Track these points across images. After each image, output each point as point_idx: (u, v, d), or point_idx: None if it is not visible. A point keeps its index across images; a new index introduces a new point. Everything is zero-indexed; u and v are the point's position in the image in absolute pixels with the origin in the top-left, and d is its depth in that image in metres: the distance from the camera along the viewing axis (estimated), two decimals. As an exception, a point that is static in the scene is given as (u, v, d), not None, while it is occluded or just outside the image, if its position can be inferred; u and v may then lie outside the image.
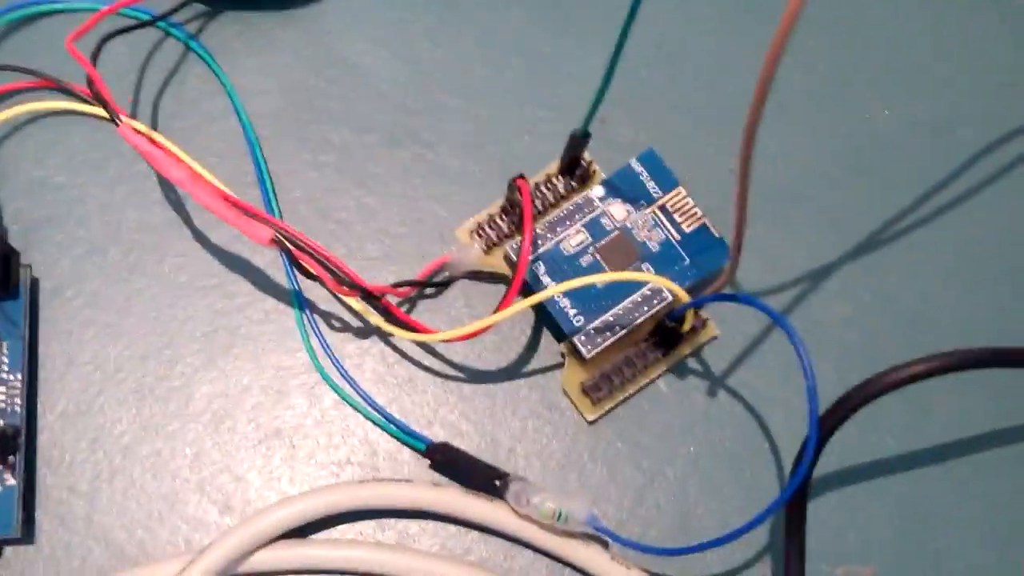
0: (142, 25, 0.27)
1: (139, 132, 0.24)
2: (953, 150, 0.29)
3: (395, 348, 0.26)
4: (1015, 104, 0.29)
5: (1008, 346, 0.20)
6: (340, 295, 0.25)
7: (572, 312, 0.24)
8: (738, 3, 0.30)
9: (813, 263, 0.27)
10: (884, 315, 0.27)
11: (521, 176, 0.24)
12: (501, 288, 0.26)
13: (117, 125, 0.23)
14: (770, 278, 0.27)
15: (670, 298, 0.24)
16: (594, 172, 0.26)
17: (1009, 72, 0.30)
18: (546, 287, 0.24)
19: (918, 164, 0.28)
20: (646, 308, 0.24)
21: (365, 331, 0.26)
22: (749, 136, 0.15)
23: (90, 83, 0.24)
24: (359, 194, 0.28)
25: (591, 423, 0.25)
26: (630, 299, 0.24)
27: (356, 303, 0.25)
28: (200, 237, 0.27)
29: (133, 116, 0.27)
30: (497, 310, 0.24)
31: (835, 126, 0.29)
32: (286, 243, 0.22)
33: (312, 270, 0.23)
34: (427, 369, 0.26)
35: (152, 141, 0.26)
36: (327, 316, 0.26)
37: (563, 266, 0.25)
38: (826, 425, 0.21)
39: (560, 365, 0.26)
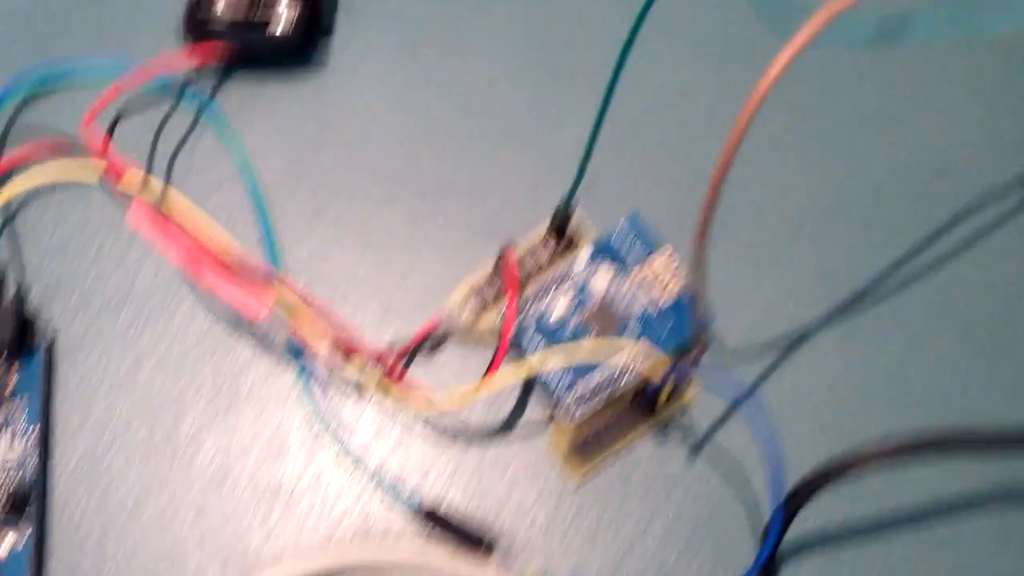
0: (156, 99, 0.29)
1: (148, 209, 0.25)
2: (939, 206, 0.29)
3: (390, 407, 0.27)
4: (1003, 158, 0.29)
5: (970, 425, 0.21)
6: (335, 359, 0.26)
7: (557, 378, 0.25)
8: (729, 62, 0.30)
9: (797, 320, 0.28)
10: (869, 373, 0.27)
11: (509, 247, 0.25)
12: (493, 347, 0.27)
13: (127, 208, 0.24)
14: (753, 336, 0.27)
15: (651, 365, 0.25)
16: (581, 236, 0.27)
17: (998, 125, 0.30)
18: (533, 353, 0.25)
19: (903, 220, 0.29)
20: (628, 375, 0.25)
21: (361, 390, 0.27)
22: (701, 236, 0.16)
23: (102, 163, 0.25)
24: (360, 251, 0.29)
25: (576, 484, 0.26)
26: (611, 367, 0.25)
27: (353, 364, 0.26)
28: (207, 297, 0.28)
29: (148, 174, 0.29)
30: (487, 373, 0.25)
31: (818, 181, 0.29)
32: (279, 318, 0.23)
33: (304, 339, 0.24)
34: (420, 428, 0.27)
35: (162, 216, 0.28)
36: (326, 375, 0.27)
37: (549, 332, 0.26)
38: (789, 508, 0.22)
39: (547, 424, 0.26)
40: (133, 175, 0.28)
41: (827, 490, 0.21)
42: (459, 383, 0.27)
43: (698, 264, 0.16)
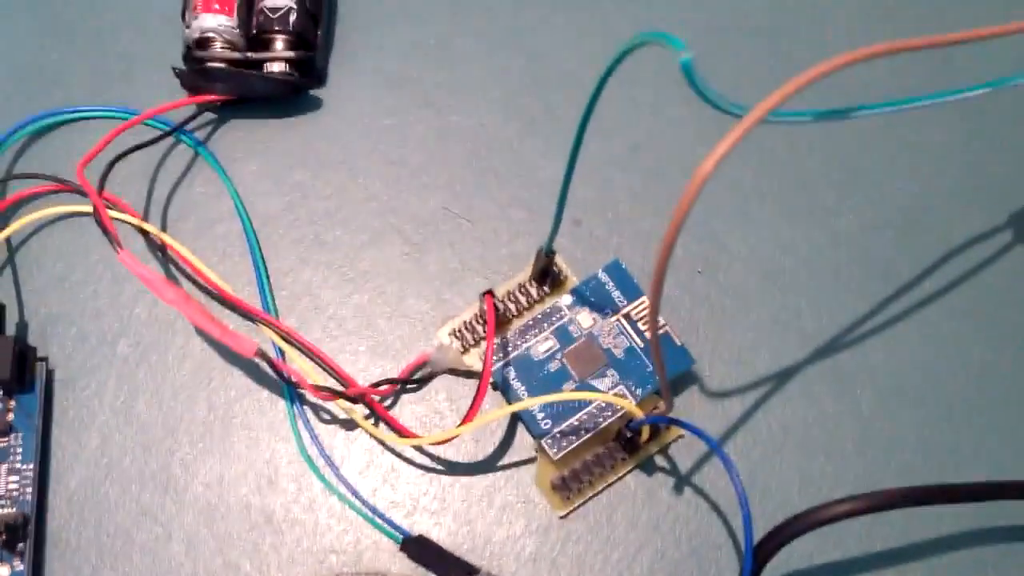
0: (154, 141, 0.30)
1: (139, 255, 0.26)
2: (915, 254, 0.30)
3: (379, 439, 0.28)
4: (976, 207, 0.30)
5: (934, 484, 0.21)
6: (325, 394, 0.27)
7: (540, 416, 0.26)
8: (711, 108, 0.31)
9: (776, 364, 0.28)
10: (845, 417, 0.28)
11: (490, 292, 0.26)
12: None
13: (117, 252, 0.25)
14: (733, 380, 0.28)
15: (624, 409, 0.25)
16: (565, 279, 0.28)
17: (971, 175, 0.31)
18: (516, 390, 0.26)
19: (880, 268, 0.29)
20: (609, 413, 0.26)
21: (351, 423, 0.28)
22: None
23: (95, 213, 0.26)
24: (349, 291, 0.29)
25: (562, 518, 0.27)
26: (594, 404, 0.26)
27: (342, 399, 0.27)
28: (201, 332, 0.29)
29: (145, 218, 0.30)
30: (467, 415, 0.25)
31: (798, 229, 0.30)
32: (267, 356, 0.24)
33: (292, 377, 0.25)
34: (409, 460, 0.28)
35: (164, 245, 0.29)
36: (316, 408, 0.28)
37: (532, 371, 0.26)
38: (760, 555, 0.23)
39: (534, 458, 0.27)
40: (128, 216, 0.29)
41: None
42: (446, 418, 0.28)
43: (654, 338, 0.17)
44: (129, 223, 0.29)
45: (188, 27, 0.30)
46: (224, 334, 0.24)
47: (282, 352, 0.27)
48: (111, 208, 0.29)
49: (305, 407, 0.28)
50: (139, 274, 0.24)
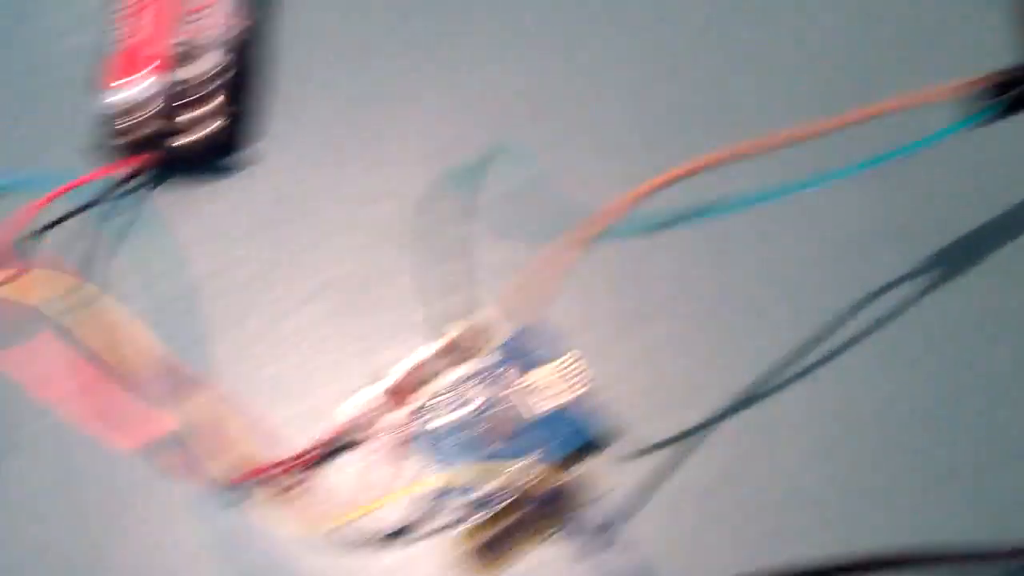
0: (84, 207, 0.30)
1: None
2: (845, 300, 0.29)
3: (291, 519, 0.27)
4: (899, 251, 0.30)
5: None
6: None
7: (458, 484, 0.26)
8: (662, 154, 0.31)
9: (700, 419, 0.28)
10: (775, 473, 0.27)
11: (411, 356, 0.27)
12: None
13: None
14: (655, 436, 0.28)
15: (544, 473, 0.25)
16: (487, 341, 0.28)
17: (892, 220, 0.30)
18: (435, 458, 0.26)
19: (809, 314, 0.29)
20: (522, 481, 0.26)
21: (261, 502, 0.27)
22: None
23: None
24: (285, 351, 0.29)
25: (485, 585, 0.26)
26: (507, 473, 0.26)
27: (254, 476, 0.27)
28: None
29: (84, 279, 0.30)
30: (382, 491, 0.25)
31: (720, 273, 0.30)
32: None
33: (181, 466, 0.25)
34: (326, 535, 0.27)
35: (87, 318, 0.28)
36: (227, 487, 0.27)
37: (444, 439, 0.26)
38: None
39: (453, 525, 0.27)
40: (53, 286, 0.29)
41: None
42: (369, 489, 0.27)
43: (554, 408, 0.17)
44: (53, 296, 0.29)
45: (106, 99, 0.30)
46: (105, 428, 0.24)
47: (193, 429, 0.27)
48: (33, 276, 0.29)
49: (217, 486, 0.27)
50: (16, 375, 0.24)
